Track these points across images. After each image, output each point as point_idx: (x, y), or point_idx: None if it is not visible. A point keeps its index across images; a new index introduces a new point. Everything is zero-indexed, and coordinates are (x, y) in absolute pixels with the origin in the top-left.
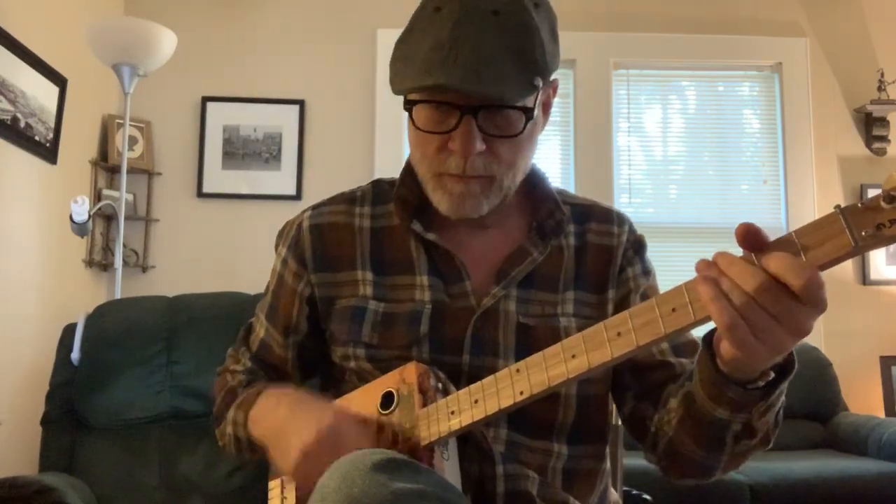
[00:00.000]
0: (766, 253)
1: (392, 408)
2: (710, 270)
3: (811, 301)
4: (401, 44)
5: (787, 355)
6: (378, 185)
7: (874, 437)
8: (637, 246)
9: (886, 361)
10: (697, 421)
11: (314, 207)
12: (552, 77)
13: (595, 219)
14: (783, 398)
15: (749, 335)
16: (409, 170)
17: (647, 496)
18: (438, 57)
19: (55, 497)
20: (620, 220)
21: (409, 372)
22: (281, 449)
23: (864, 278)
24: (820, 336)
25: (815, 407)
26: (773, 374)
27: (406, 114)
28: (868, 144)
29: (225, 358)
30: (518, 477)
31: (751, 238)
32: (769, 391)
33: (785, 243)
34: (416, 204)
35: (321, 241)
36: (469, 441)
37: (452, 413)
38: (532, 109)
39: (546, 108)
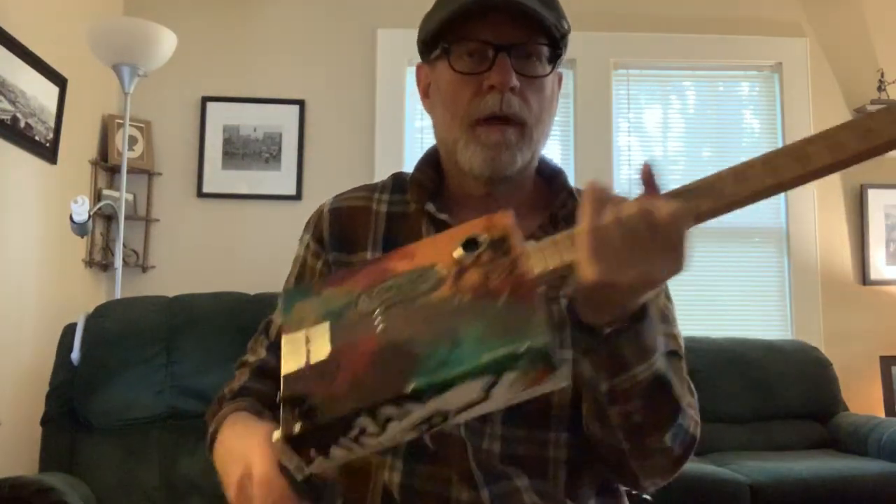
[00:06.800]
0: (655, 195)
1: (478, 251)
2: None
3: (665, 239)
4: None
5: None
6: (398, 176)
7: (874, 437)
8: None
9: (886, 361)
10: (585, 397)
11: (337, 196)
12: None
13: None
14: (655, 366)
15: (610, 255)
16: (426, 158)
17: (647, 496)
18: None
19: (55, 497)
20: None
21: (499, 217)
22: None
23: (864, 278)
24: (820, 336)
25: (815, 407)
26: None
27: (410, 101)
28: None
29: (237, 353)
30: (506, 495)
31: (646, 176)
32: (616, 335)
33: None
34: (431, 189)
35: (339, 223)
36: (450, 462)
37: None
38: (560, 52)
39: (556, 90)
